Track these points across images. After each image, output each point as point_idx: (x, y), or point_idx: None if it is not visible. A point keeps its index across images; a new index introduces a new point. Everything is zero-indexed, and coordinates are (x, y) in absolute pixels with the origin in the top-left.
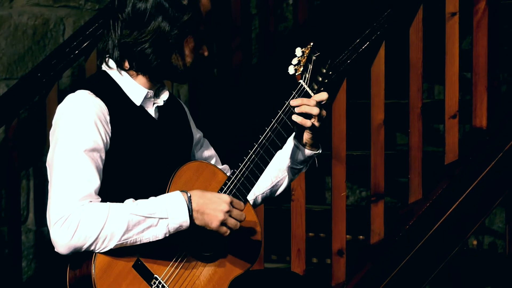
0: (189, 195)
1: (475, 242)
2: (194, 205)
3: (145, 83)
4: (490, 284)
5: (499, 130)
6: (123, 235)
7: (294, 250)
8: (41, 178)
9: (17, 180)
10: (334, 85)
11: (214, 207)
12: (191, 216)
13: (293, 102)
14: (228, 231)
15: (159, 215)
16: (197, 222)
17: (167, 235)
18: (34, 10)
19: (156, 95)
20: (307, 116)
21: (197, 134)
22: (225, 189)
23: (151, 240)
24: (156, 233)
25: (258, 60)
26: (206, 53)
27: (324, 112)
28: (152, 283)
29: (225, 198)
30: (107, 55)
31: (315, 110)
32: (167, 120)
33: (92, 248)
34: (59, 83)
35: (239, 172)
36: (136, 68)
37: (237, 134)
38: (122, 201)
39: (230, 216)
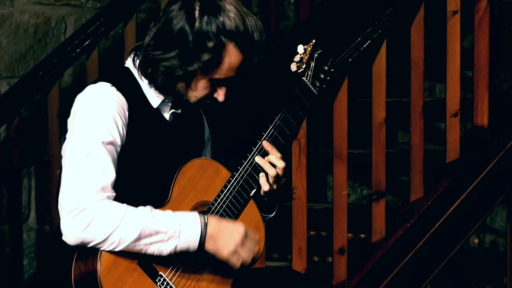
0: (206, 221)
1: (476, 241)
2: (209, 230)
3: None
4: (491, 282)
5: (500, 128)
6: (132, 242)
7: (295, 248)
8: (43, 177)
9: (18, 179)
10: (335, 84)
11: (228, 237)
12: (201, 243)
13: (265, 144)
14: (239, 264)
15: (171, 233)
16: (209, 247)
17: (172, 253)
18: (36, 9)
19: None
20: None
21: (206, 134)
22: (228, 186)
23: (155, 254)
24: (163, 249)
25: (259, 58)
26: (220, 98)
27: (283, 180)
28: (157, 280)
29: (241, 229)
30: (138, 54)
31: (271, 171)
32: (182, 125)
33: (99, 246)
34: (60, 81)
35: (243, 169)
36: (144, 77)
37: (238, 133)
38: (127, 198)
39: (243, 248)
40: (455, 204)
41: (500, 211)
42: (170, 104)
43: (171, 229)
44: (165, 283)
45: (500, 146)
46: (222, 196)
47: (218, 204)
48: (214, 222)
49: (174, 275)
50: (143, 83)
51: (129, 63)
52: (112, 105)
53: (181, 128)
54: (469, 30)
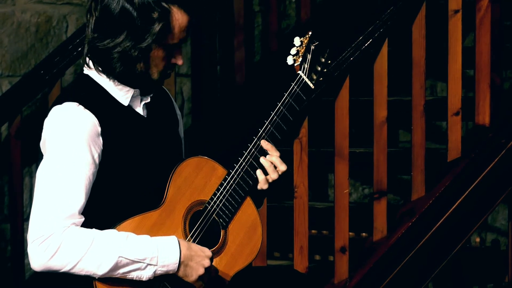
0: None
1: (477, 240)
2: (181, 256)
3: None
4: (492, 281)
5: (502, 127)
6: (108, 272)
7: (297, 247)
8: None
9: (20, 178)
10: (337, 83)
11: (198, 261)
12: (178, 267)
13: (263, 143)
14: (203, 286)
15: (149, 261)
16: (178, 272)
17: (151, 278)
18: (37, 8)
19: (142, 91)
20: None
21: (178, 113)
22: (225, 184)
23: (134, 279)
24: (141, 275)
25: (261, 57)
26: (179, 62)
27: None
28: (154, 287)
29: (208, 253)
30: (88, 56)
31: (274, 175)
32: (156, 115)
33: (70, 272)
34: (62, 80)
35: (239, 166)
36: (103, 72)
37: (239, 131)
38: (120, 203)
39: (209, 272)
40: (457, 203)
41: (502, 210)
42: (139, 96)
43: (149, 256)
44: (161, 285)
45: (502, 145)
46: (218, 194)
47: (214, 203)
48: (185, 246)
49: (171, 281)
50: (107, 85)
51: (86, 69)
52: (82, 128)
53: (157, 119)
54: (470, 29)
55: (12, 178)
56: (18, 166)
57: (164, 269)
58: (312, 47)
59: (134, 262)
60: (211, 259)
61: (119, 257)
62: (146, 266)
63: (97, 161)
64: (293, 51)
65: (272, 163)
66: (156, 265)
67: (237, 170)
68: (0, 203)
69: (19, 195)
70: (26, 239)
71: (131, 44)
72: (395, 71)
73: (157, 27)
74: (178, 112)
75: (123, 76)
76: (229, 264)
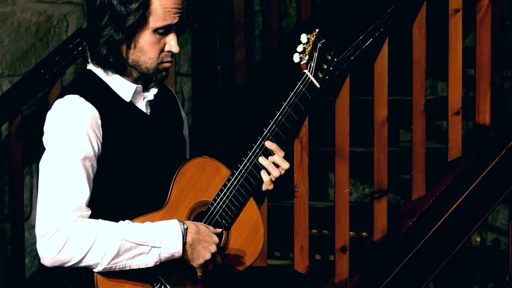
0: (186, 227)
1: (478, 239)
2: (188, 239)
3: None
4: (493, 280)
5: (502, 126)
6: (113, 259)
7: (297, 246)
8: None
9: (20, 177)
10: (337, 82)
11: (206, 246)
12: (184, 249)
13: (267, 144)
14: (205, 274)
15: (152, 243)
16: (185, 255)
17: (157, 263)
18: (37, 7)
19: (146, 88)
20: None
21: (182, 114)
22: (228, 185)
23: (140, 267)
24: (147, 261)
25: (262, 57)
26: (174, 49)
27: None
28: (154, 284)
29: (215, 239)
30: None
31: (276, 172)
32: (160, 114)
33: (78, 265)
34: (62, 79)
35: (243, 167)
36: (94, 61)
37: (240, 130)
38: (122, 203)
39: (214, 258)
40: (457, 203)
41: (502, 209)
42: (143, 93)
43: (151, 238)
44: (162, 287)
45: (502, 144)
46: (221, 195)
47: (218, 203)
48: (194, 229)
49: (172, 277)
50: (109, 80)
51: (88, 65)
52: (83, 120)
53: (160, 118)
54: (471, 28)
55: (13, 178)
56: (18, 165)
57: (169, 251)
58: (319, 45)
59: (137, 245)
60: (218, 246)
61: (122, 240)
62: (150, 250)
63: (97, 152)
64: (299, 48)
65: (274, 162)
66: (160, 247)
67: (241, 170)
68: (1, 203)
69: (19, 195)
70: (26, 238)
71: (114, 26)
72: (396, 70)
73: (134, 5)
74: (183, 113)
75: (113, 64)
76: (231, 265)
